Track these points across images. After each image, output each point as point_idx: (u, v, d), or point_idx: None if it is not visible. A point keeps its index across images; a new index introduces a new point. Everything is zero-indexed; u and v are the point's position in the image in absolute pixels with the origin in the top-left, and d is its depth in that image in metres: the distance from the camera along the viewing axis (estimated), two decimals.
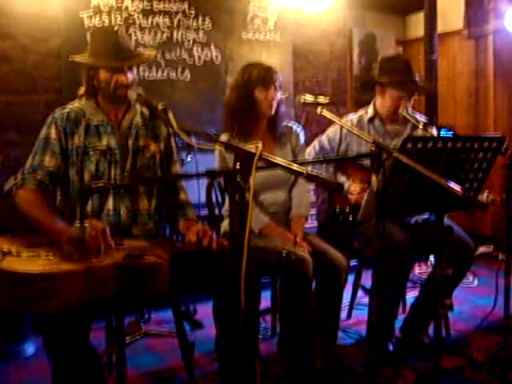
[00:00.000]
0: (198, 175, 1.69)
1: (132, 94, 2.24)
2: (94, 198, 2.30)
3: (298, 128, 2.93)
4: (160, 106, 2.04)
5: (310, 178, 1.60)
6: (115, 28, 2.57)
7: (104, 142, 2.33)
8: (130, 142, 2.38)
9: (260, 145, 1.59)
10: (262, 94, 2.70)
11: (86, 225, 1.85)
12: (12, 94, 3.59)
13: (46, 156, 2.26)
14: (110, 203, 2.31)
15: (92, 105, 2.38)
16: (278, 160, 1.66)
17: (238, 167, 1.60)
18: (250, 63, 2.86)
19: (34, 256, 1.86)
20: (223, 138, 2.74)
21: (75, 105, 2.39)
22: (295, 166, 1.64)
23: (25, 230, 2.09)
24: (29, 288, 1.69)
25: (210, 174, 1.63)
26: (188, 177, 2.26)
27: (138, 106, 2.43)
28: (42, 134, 2.32)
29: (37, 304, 1.71)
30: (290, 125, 2.92)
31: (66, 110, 2.35)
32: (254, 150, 1.59)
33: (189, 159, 3.43)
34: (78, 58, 2.37)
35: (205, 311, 3.38)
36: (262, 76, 2.71)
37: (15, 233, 2.08)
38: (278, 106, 2.78)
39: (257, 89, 2.70)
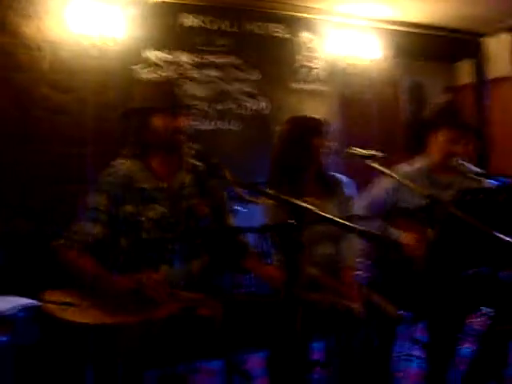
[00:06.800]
0: (252, 230, 1.71)
1: (189, 151, 2.20)
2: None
3: (345, 180, 2.91)
4: (216, 161, 2.02)
5: (361, 234, 1.60)
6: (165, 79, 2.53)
7: (157, 209, 2.26)
8: (182, 205, 2.33)
9: (314, 200, 1.61)
10: (320, 143, 2.74)
11: (143, 276, 1.89)
12: (70, 145, 3.74)
13: (96, 225, 2.19)
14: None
15: (140, 166, 2.32)
16: (331, 216, 1.67)
17: (291, 222, 1.61)
18: (297, 116, 2.91)
19: (92, 306, 1.88)
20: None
21: (122, 162, 2.32)
22: (346, 222, 1.65)
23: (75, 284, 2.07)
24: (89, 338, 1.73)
25: (265, 229, 1.65)
26: (242, 231, 2.26)
27: (189, 161, 2.37)
28: (92, 200, 2.24)
29: (97, 354, 1.75)
30: (337, 177, 2.91)
31: (115, 173, 2.28)
32: (307, 205, 1.61)
33: (240, 209, 3.44)
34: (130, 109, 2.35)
35: (253, 362, 3.34)
36: (319, 126, 2.76)
37: (69, 286, 2.05)
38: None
39: (314, 138, 2.74)
